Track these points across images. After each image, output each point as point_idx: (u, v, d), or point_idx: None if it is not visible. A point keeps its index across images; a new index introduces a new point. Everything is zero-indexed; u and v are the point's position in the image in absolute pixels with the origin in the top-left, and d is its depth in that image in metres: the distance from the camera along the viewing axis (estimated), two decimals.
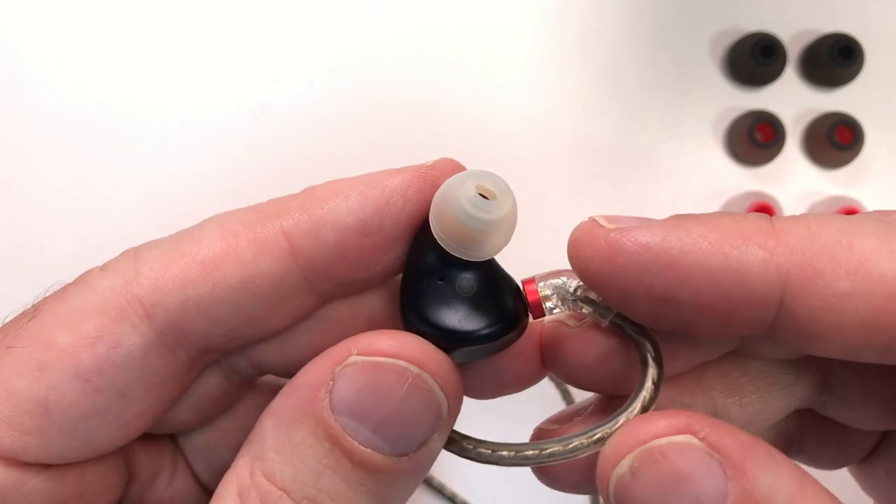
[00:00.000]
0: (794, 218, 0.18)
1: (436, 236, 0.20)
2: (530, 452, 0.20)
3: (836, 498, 0.18)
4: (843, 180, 0.46)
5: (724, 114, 0.46)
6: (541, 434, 0.24)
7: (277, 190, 0.45)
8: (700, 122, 0.46)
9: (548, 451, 0.20)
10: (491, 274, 0.21)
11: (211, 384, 0.23)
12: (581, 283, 0.21)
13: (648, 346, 0.21)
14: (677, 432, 0.17)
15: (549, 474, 0.23)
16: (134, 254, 0.21)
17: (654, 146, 0.45)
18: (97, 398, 0.19)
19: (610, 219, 0.19)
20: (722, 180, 0.45)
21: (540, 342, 0.23)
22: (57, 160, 0.44)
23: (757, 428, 0.24)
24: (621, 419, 0.20)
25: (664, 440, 0.18)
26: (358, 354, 0.19)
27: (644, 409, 0.20)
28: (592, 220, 0.19)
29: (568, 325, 0.22)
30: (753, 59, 0.44)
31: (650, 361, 0.21)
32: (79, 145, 0.44)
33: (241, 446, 0.23)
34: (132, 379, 0.20)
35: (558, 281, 0.21)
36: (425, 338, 0.20)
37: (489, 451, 0.21)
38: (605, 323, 0.21)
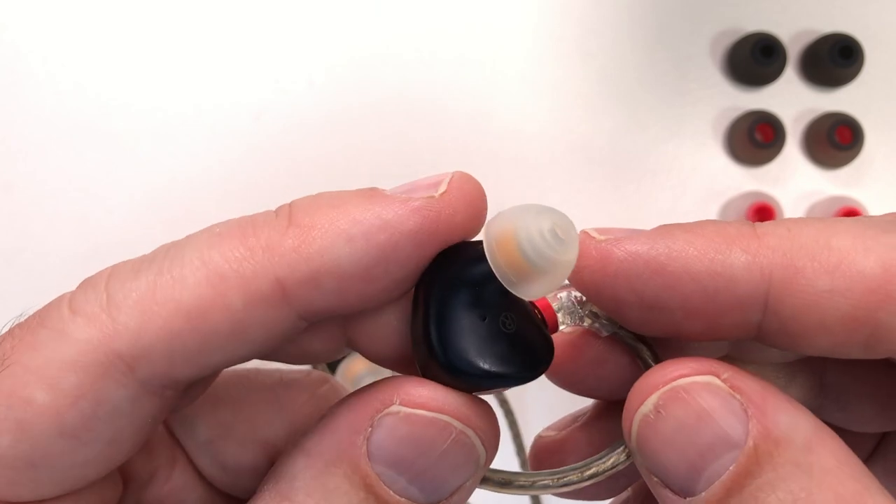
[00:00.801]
0: (775, 222, 0.19)
1: (495, 268, 0.19)
2: (522, 481, 0.20)
3: (848, 449, 0.18)
4: (843, 180, 0.46)
5: (724, 114, 0.46)
6: (540, 443, 0.24)
7: (277, 190, 0.45)
8: (700, 122, 0.46)
9: (540, 483, 0.20)
10: (523, 306, 0.20)
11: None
12: (583, 296, 0.21)
13: (647, 351, 0.21)
14: (701, 374, 0.18)
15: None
16: (106, 292, 0.19)
17: (654, 146, 0.45)
18: (86, 450, 0.19)
19: (601, 231, 0.20)
20: (722, 180, 0.45)
21: None
22: (57, 160, 0.44)
23: None
24: (613, 455, 0.20)
25: (688, 380, 0.18)
26: (401, 405, 0.18)
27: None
28: (584, 233, 0.20)
29: (561, 331, 0.22)
30: (753, 59, 0.44)
31: (651, 365, 0.21)
32: (79, 145, 0.44)
33: (243, 441, 0.23)
34: (120, 428, 0.19)
35: (563, 295, 0.21)
36: (466, 380, 0.19)
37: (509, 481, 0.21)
38: (604, 334, 0.21)
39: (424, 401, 0.19)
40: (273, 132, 0.45)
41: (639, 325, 0.20)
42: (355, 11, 0.46)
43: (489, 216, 0.21)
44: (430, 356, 0.19)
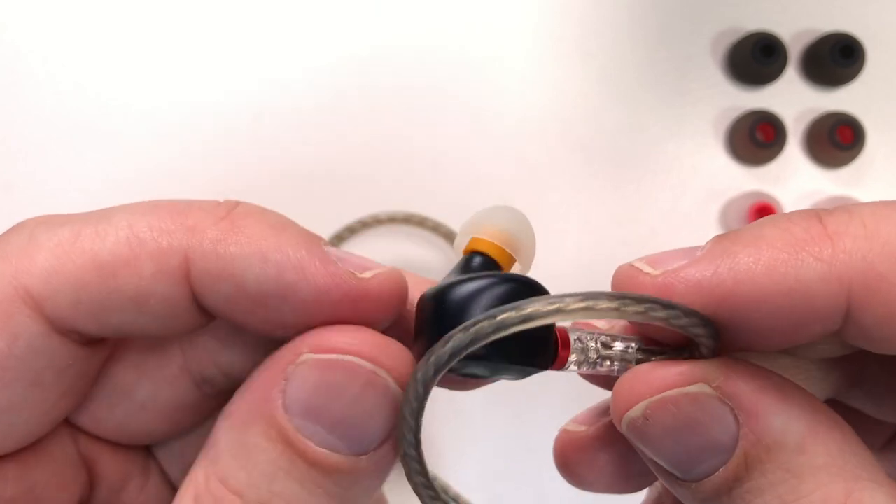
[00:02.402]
0: (845, 213, 0.17)
1: (519, 256, 0.20)
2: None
3: (850, 435, 0.18)
4: (844, 180, 0.46)
5: (725, 113, 0.46)
6: (566, 438, 0.23)
7: (277, 189, 0.45)
8: (701, 122, 0.46)
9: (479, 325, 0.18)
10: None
11: (181, 394, 0.23)
12: (600, 343, 0.20)
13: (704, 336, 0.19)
14: (690, 382, 0.18)
15: (578, 476, 0.23)
16: (30, 232, 0.19)
17: (654, 146, 0.45)
18: (10, 391, 0.19)
19: (651, 262, 0.18)
20: (723, 180, 0.45)
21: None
22: (57, 160, 0.44)
23: None
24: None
25: (677, 391, 0.18)
26: (309, 352, 0.18)
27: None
28: (633, 268, 0.18)
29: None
30: (754, 58, 0.44)
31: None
32: (79, 145, 0.44)
33: None
34: (40, 368, 0.19)
35: (581, 344, 0.20)
36: (443, 321, 0.18)
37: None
38: (618, 375, 0.20)
39: (332, 344, 0.18)
40: (273, 132, 0.45)
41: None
42: (355, 11, 0.46)
43: (493, 214, 0.21)
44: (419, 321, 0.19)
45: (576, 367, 0.20)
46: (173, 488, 0.24)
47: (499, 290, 0.19)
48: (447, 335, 0.17)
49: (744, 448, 0.17)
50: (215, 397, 0.23)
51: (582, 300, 0.17)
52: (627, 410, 0.18)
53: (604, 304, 0.17)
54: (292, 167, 0.44)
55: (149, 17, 0.45)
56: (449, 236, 0.43)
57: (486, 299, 0.19)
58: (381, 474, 0.19)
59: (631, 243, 0.44)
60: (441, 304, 0.19)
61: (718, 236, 0.18)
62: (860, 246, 0.17)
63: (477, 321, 0.17)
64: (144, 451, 0.24)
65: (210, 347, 0.22)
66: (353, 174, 0.44)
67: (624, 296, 0.17)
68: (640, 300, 0.17)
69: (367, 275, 0.19)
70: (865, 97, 0.46)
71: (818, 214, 0.17)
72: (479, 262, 0.20)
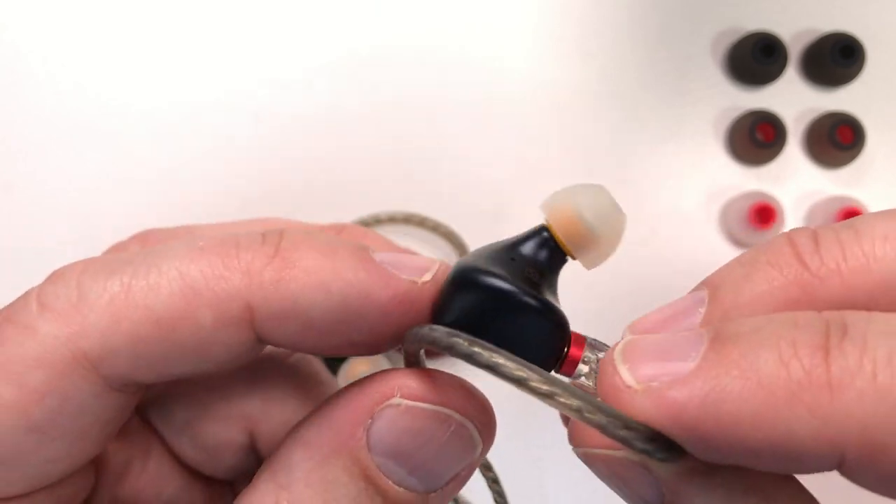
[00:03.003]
0: (857, 353, 0.15)
1: (551, 222, 0.20)
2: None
3: None
4: (845, 180, 0.46)
5: (725, 113, 0.46)
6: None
7: (277, 189, 0.45)
8: (700, 122, 0.46)
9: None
10: (556, 289, 0.20)
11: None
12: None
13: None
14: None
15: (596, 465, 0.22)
16: (76, 287, 0.18)
17: (654, 146, 0.45)
18: (54, 446, 0.19)
19: (632, 364, 0.17)
20: (722, 180, 0.45)
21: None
22: (57, 160, 0.44)
23: None
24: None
25: (603, 452, 0.18)
26: (402, 397, 0.19)
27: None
28: (614, 370, 0.17)
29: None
30: (754, 58, 0.44)
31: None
32: (79, 145, 0.44)
33: (223, 419, 0.23)
34: (88, 423, 0.19)
35: (600, 355, 0.20)
36: (467, 289, 0.18)
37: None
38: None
39: (425, 393, 0.18)
40: (273, 132, 0.45)
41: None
42: (355, 11, 0.46)
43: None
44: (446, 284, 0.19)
45: (587, 381, 0.20)
46: (176, 460, 0.24)
47: (515, 310, 0.19)
48: (435, 328, 0.18)
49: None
50: None
51: (548, 384, 0.16)
52: (574, 445, 0.19)
53: (566, 400, 0.16)
54: (292, 167, 0.44)
55: (148, 18, 0.45)
56: (449, 236, 0.43)
57: (496, 310, 0.19)
58: (446, 502, 0.20)
59: (631, 243, 0.44)
60: (457, 289, 0.19)
61: (712, 343, 0.16)
62: (863, 410, 0.14)
63: (458, 336, 0.17)
64: (141, 426, 0.24)
65: None
66: (352, 174, 0.44)
67: (589, 400, 0.16)
68: (605, 411, 0.16)
69: (427, 276, 0.19)
70: (865, 97, 0.46)
71: (826, 346, 0.15)
72: (542, 241, 0.20)
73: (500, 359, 0.17)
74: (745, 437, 0.15)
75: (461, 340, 0.17)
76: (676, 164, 0.45)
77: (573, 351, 0.19)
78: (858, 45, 0.44)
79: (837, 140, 0.44)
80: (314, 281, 0.18)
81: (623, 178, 0.45)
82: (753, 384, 0.15)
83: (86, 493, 0.22)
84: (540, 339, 0.19)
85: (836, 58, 0.44)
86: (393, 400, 0.18)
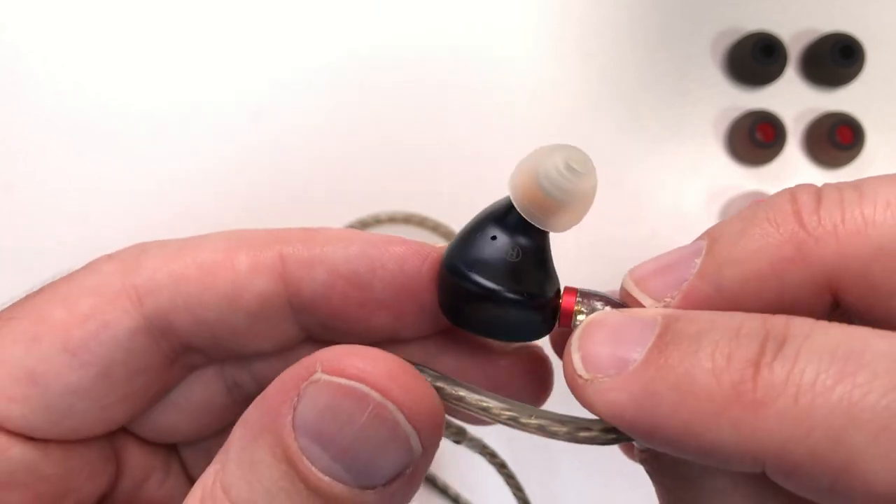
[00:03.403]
0: (785, 373, 0.15)
1: (513, 200, 0.20)
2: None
3: None
4: (844, 180, 0.45)
5: (725, 114, 0.46)
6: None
7: (277, 189, 0.45)
8: (700, 122, 0.46)
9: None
10: (543, 257, 0.20)
11: (211, 396, 0.23)
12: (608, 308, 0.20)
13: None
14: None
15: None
16: (142, 247, 0.21)
17: (654, 146, 0.45)
18: (81, 373, 0.20)
19: (585, 353, 0.17)
20: (722, 180, 0.45)
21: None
22: (57, 160, 0.44)
23: None
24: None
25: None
26: (322, 371, 0.18)
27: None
28: (570, 357, 0.18)
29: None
30: (754, 58, 0.44)
31: None
32: (79, 145, 0.44)
33: None
34: (116, 361, 0.20)
35: (597, 304, 0.20)
36: (449, 281, 0.20)
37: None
38: None
39: (343, 367, 0.17)
40: (272, 131, 0.45)
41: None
42: (355, 11, 0.46)
43: (540, 163, 0.21)
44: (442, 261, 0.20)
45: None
46: (192, 483, 0.24)
47: (501, 306, 0.20)
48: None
49: None
50: (244, 403, 0.24)
51: (509, 410, 0.19)
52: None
53: (527, 420, 0.18)
54: (292, 167, 0.44)
55: (148, 18, 0.45)
56: (449, 236, 0.43)
57: (485, 307, 0.20)
58: None
59: (631, 243, 0.44)
60: (448, 287, 0.20)
61: (660, 338, 0.17)
62: (782, 428, 0.15)
63: (425, 368, 0.20)
64: (169, 449, 0.24)
65: (248, 359, 0.23)
66: (352, 174, 0.44)
67: (548, 415, 0.19)
68: (563, 422, 0.18)
69: (442, 244, 0.21)
70: (865, 97, 0.46)
71: (758, 362, 0.15)
72: (513, 217, 0.20)
73: (462, 391, 0.19)
74: (675, 441, 0.16)
75: (427, 377, 0.19)
76: (676, 164, 0.45)
77: (566, 304, 0.20)
78: (858, 45, 0.44)
79: (837, 140, 0.44)
80: (337, 237, 0.21)
81: (623, 179, 0.45)
82: (685, 393, 0.16)
83: (103, 485, 0.22)
84: (528, 322, 0.20)
85: (835, 58, 0.44)
86: (315, 375, 0.18)
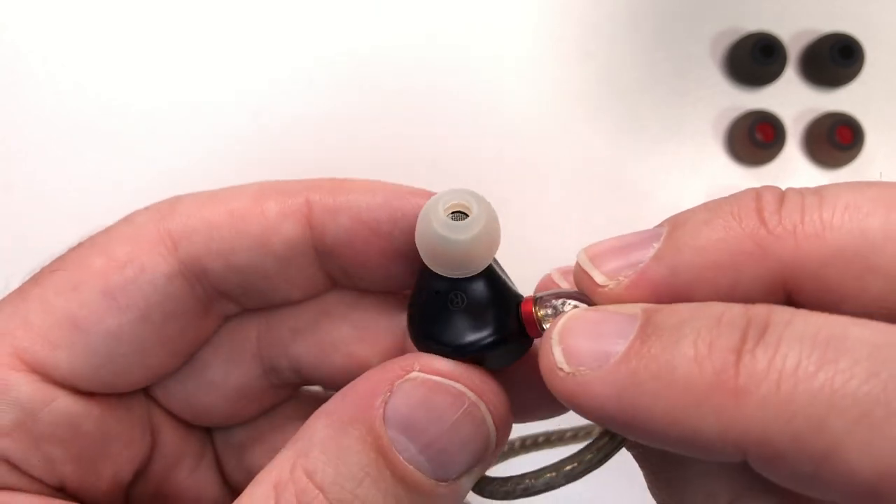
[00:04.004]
0: (766, 360, 0.15)
1: (423, 259, 0.20)
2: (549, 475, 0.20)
3: None
4: (843, 180, 0.45)
5: (725, 114, 0.46)
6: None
7: None
8: (700, 122, 0.46)
9: (564, 469, 0.20)
10: (490, 288, 0.20)
11: (249, 379, 0.24)
12: (579, 305, 0.20)
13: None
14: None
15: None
16: (176, 198, 0.23)
17: (654, 146, 0.45)
18: (121, 317, 0.21)
19: (566, 346, 0.17)
20: (722, 180, 0.45)
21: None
22: (57, 160, 0.44)
23: None
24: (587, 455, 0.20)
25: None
26: (420, 371, 0.19)
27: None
28: (549, 350, 0.18)
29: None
30: (753, 58, 0.44)
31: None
32: (79, 145, 0.44)
33: (274, 449, 0.23)
34: (153, 304, 0.21)
35: (557, 302, 0.20)
36: (420, 344, 0.20)
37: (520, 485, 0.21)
38: None
39: (442, 368, 0.19)
40: (273, 131, 0.45)
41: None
42: (355, 11, 0.46)
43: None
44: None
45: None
46: (223, 477, 0.25)
47: (464, 354, 0.20)
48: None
49: None
50: (279, 389, 0.25)
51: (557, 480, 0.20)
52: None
53: (570, 468, 0.19)
54: (292, 167, 0.44)
55: (148, 17, 0.45)
56: None
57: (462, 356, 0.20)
58: (455, 503, 0.20)
59: None
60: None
61: (643, 328, 0.17)
62: (764, 416, 0.15)
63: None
64: (203, 435, 0.25)
65: (284, 337, 0.24)
66: (352, 174, 0.44)
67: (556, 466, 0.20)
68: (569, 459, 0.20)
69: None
70: (864, 97, 0.46)
71: (740, 349, 0.15)
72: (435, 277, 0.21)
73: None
74: (657, 432, 0.16)
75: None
76: (676, 164, 0.45)
77: (525, 316, 0.20)
78: (857, 45, 0.44)
79: (836, 140, 0.44)
80: (362, 187, 0.22)
81: (623, 179, 0.45)
82: (667, 383, 0.16)
83: (136, 454, 0.23)
84: (503, 351, 0.20)
85: (835, 58, 0.44)
86: (412, 374, 0.19)
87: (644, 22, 0.46)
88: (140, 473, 0.23)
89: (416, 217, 0.21)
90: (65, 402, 0.21)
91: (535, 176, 0.45)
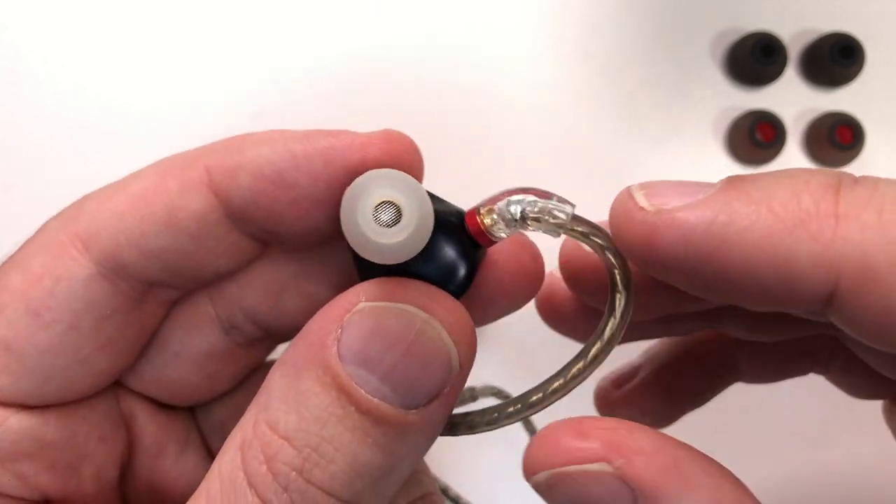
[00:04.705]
0: (867, 191, 0.15)
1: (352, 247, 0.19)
2: (534, 398, 0.20)
3: None
4: None
5: (725, 114, 0.46)
6: (602, 394, 0.26)
7: None
8: (700, 122, 0.46)
9: (550, 388, 0.20)
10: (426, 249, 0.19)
11: (212, 341, 0.23)
12: (523, 205, 0.20)
13: (620, 273, 0.20)
14: (592, 459, 0.18)
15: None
16: (85, 196, 0.22)
17: (654, 146, 0.45)
18: (49, 332, 0.20)
19: (649, 192, 0.18)
20: None
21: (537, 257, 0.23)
22: (57, 160, 0.44)
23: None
24: (590, 353, 0.20)
25: (578, 468, 0.18)
26: (366, 300, 0.18)
27: (609, 342, 0.20)
28: (630, 196, 0.18)
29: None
30: (754, 58, 0.44)
31: (619, 289, 0.20)
32: (79, 145, 0.44)
33: None
34: (79, 311, 0.20)
35: (502, 205, 0.20)
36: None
37: (496, 415, 0.21)
38: (558, 235, 0.21)
39: (387, 293, 0.18)
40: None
41: (689, 289, 0.19)
42: (354, 12, 0.46)
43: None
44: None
45: (503, 233, 0.20)
46: (212, 459, 0.25)
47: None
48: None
49: None
50: (247, 347, 0.24)
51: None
52: (534, 473, 0.19)
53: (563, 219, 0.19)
54: None
55: (148, 17, 0.45)
56: None
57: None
58: (430, 433, 0.19)
59: None
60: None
61: (730, 180, 0.17)
62: (864, 238, 0.15)
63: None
64: (185, 419, 0.25)
65: (233, 292, 0.23)
66: None
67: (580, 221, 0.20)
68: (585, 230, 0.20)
69: (373, 133, 0.20)
70: (865, 97, 0.46)
71: (838, 186, 0.16)
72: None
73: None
74: (748, 259, 0.16)
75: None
76: (676, 164, 0.45)
77: (470, 225, 0.20)
78: (858, 45, 0.44)
79: (837, 140, 0.44)
80: (259, 139, 0.20)
81: (623, 179, 0.45)
82: (763, 210, 0.16)
83: (114, 448, 0.22)
84: (454, 261, 0.20)
85: (835, 58, 0.44)
86: (358, 305, 0.18)
87: (644, 22, 0.46)
88: (126, 468, 0.23)
89: (320, 159, 0.20)
90: (18, 420, 0.20)
91: (534, 176, 0.45)
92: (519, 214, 0.20)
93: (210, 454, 0.25)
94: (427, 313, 0.18)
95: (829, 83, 0.46)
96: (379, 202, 0.18)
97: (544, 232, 0.20)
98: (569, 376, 0.20)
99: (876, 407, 0.27)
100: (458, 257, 0.20)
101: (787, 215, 0.16)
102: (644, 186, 0.18)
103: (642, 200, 0.18)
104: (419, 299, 0.18)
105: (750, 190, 0.16)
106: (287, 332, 0.24)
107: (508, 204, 0.20)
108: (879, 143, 0.45)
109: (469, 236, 0.20)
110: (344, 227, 0.18)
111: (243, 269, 0.23)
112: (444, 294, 0.19)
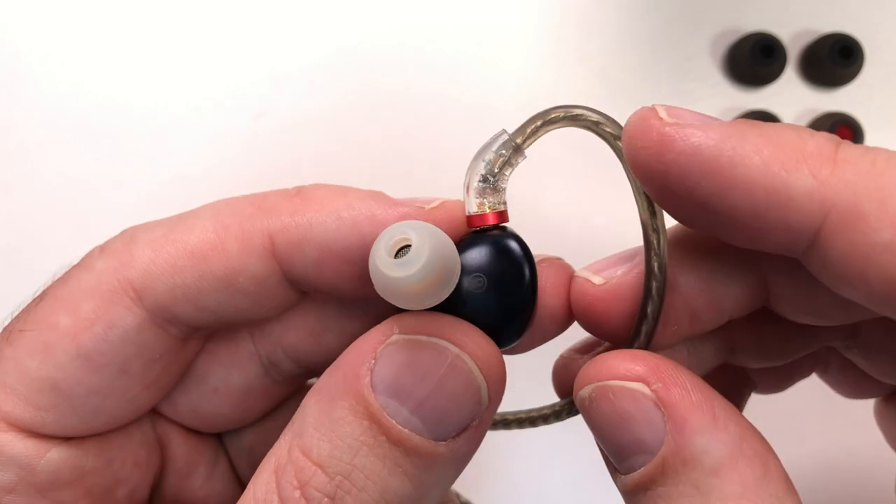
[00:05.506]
0: (865, 149, 0.17)
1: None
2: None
3: (773, 470, 0.18)
4: None
5: (724, 114, 0.46)
6: (563, 363, 0.25)
7: (277, 188, 0.45)
8: None
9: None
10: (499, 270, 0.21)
11: (251, 378, 0.24)
12: (480, 171, 0.22)
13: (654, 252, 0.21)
14: (633, 379, 0.19)
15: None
16: (130, 235, 0.21)
17: None
18: (100, 375, 0.20)
19: (670, 111, 0.19)
20: None
21: (567, 295, 0.23)
22: (57, 160, 0.44)
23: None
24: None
25: (619, 383, 0.19)
26: (400, 333, 0.19)
27: (648, 334, 0.21)
28: (651, 109, 0.19)
29: (594, 283, 0.23)
30: (753, 59, 0.44)
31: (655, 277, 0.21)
32: (79, 145, 0.44)
33: None
34: (130, 356, 0.21)
35: (474, 185, 0.22)
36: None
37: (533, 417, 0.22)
38: (523, 155, 0.23)
39: (421, 327, 0.19)
40: (273, 131, 0.45)
41: (681, 216, 0.20)
42: (354, 12, 0.46)
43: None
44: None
45: (486, 206, 0.21)
46: (239, 482, 0.25)
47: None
48: None
49: (664, 454, 0.18)
50: (283, 383, 0.25)
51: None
52: (580, 390, 0.20)
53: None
54: (292, 167, 0.44)
55: (148, 17, 0.45)
56: None
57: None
58: (458, 464, 0.19)
59: (632, 243, 0.44)
60: None
61: (745, 119, 0.18)
62: (858, 180, 0.17)
63: None
64: (215, 442, 0.25)
65: (276, 331, 0.24)
66: (352, 174, 0.44)
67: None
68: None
69: (435, 204, 0.21)
70: (864, 98, 0.46)
71: (838, 142, 0.17)
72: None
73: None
74: (749, 181, 0.17)
75: None
76: None
77: (475, 222, 0.21)
78: (857, 45, 0.44)
79: None
80: (327, 210, 0.20)
81: (622, 178, 0.45)
82: (770, 142, 0.17)
83: (147, 472, 0.23)
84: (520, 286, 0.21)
85: (834, 58, 0.44)
86: (392, 337, 0.19)
87: (644, 22, 0.46)
88: (156, 489, 0.23)
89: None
90: (59, 452, 0.21)
91: (534, 176, 0.45)
92: (485, 177, 0.21)
93: (236, 475, 0.25)
94: (458, 348, 0.19)
95: (829, 83, 0.46)
96: (396, 241, 0.18)
97: (514, 165, 0.22)
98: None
99: (867, 406, 0.28)
100: (507, 306, 0.20)
101: (792, 151, 0.17)
102: (666, 106, 0.19)
103: (662, 112, 0.19)
104: (451, 334, 0.19)
105: (762, 127, 0.18)
106: (324, 368, 0.25)
107: (475, 182, 0.21)
108: (878, 142, 0.45)
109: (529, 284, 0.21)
110: (372, 277, 0.18)
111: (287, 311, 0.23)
112: (475, 329, 0.19)
